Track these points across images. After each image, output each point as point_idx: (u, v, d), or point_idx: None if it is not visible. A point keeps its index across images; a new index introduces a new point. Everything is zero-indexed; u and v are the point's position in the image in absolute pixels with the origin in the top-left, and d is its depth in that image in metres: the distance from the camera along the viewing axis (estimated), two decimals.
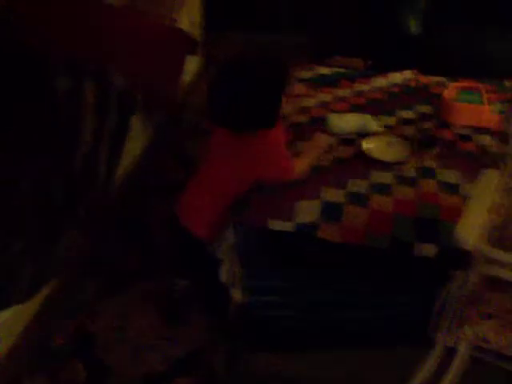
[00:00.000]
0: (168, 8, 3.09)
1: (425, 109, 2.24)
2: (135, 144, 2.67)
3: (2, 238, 1.72)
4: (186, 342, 1.98)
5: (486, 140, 2.01)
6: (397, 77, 2.53)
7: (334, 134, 2.03)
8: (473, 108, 2.12)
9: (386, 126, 2.11)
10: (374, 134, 2.03)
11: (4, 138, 1.98)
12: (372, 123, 2.07)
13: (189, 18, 3.37)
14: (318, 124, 2.12)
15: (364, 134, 2.02)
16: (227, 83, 1.68)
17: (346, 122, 2.08)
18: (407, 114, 2.20)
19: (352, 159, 1.90)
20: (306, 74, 2.55)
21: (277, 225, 1.62)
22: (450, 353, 1.41)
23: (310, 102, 2.28)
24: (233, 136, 1.72)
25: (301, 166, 1.82)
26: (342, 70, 2.65)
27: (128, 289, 2.20)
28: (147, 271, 2.29)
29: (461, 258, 1.42)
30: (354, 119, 2.10)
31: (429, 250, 1.55)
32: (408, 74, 2.56)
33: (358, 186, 1.75)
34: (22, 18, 2.61)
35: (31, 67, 2.37)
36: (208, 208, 1.84)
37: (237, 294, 1.81)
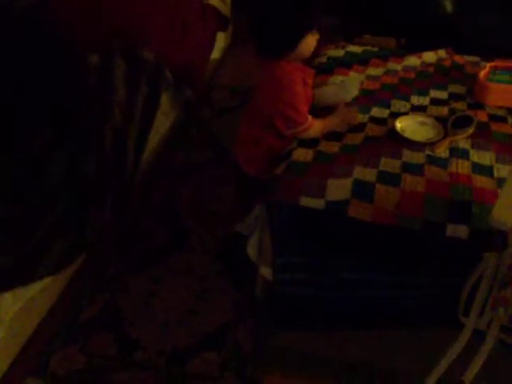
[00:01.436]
0: None
1: (459, 89, 2.20)
2: (164, 121, 2.68)
3: (34, 211, 1.74)
4: (213, 317, 2.00)
5: None
6: (430, 56, 2.49)
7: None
8: (508, 88, 2.07)
9: (419, 106, 2.08)
10: (406, 113, 2.01)
11: (35, 113, 2.00)
12: (352, 89, 2.11)
13: None
14: (350, 102, 2.10)
15: (396, 114, 1.99)
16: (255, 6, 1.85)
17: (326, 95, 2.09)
18: (441, 94, 2.16)
19: (384, 138, 1.88)
20: (338, 53, 2.52)
21: (308, 202, 1.62)
22: (479, 336, 1.40)
23: None
24: (262, 62, 1.86)
25: (316, 125, 1.88)
26: (374, 49, 2.61)
27: (156, 264, 2.22)
28: (176, 247, 2.31)
29: (494, 240, 1.41)
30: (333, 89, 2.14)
31: (461, 231, 1.53)
32: (442, 54, 2.51)
33: (390, 165, 1.73)
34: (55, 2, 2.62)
35: (61, 45, 2.38)
36: (248, 138, 2.01)
37: (265, 271, 1.82)
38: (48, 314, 1.90)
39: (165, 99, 2.59)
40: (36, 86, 2.01)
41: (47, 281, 1.80)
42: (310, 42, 1.83)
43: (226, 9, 3.28)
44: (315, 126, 1.87)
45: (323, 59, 2.47)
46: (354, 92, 2.13)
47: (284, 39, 1.79)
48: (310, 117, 1.86)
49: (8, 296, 1.66)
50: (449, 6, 3.19)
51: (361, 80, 2.26)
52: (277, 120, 1.86)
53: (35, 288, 1.77)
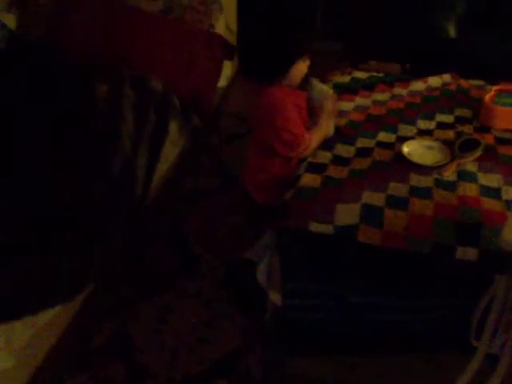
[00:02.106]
0: (206, 14, 3.12)
1: (465, 112, 2.21)
2: (172, 149, 2.70)
3: (44, 239, 1.75)
4: (224, 344, 1.99)
5: None
6: (435, 80, 2.50)
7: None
8: None
9: (425, 130, 2.09)
10: (413, 137, 2.02)
11: (44, 142, 2.03)
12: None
13: (225, 24, 3.40)
14: (356, 128, 2.11)
15: (403, 138, 2.00)
16: (249, 31, 1.97)
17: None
18: (447, 118, 2.17)
19: (392, 163, 1.88)
20: (344, 79, 2.55)
21: (317, 227, 1.62)
22: (491, 361, 1.39)
23: (349, 106, 2.28)
24: (253, 89, 1.90)
25: (313, 139, 1.91)
26: (379, 75, 2.64)
27: (166, 291, 2.22)
28: (185, 274, 2.31)
29: (504, 262, 1.41)
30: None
31: (471, 253, 1.53)
32: (447, 78, 2.53)
33: (398, 189, 1.73)
34: (65, 32, 2.67)
35: (71, 74, 2.42)
36: (254, 165, 2.04)
37: (275, 297, 1.81)
38: (58, 343, 1.89)
39: (173, 127, 2.62)
40: (45, 115, 2.05)
41: (57, 309, 1.80)
42: (300, 69, 1.88)
43: (232, 37, 3.33)
44: (313, 140, 1.91)
45: (329, 86, 2.49)
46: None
47: (274, 66, 1.84)
48: (307, 135, 1.89)
49: (18, 325, 1.66)
50: (452, 31, 3.22)
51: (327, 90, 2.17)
52: (276, 145, 1.89)
53: (45, 316, 1.77)
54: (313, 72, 2.00)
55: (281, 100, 1.85)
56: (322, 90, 2.06)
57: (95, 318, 2.09)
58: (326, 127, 1.98)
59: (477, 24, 3.26)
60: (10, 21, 2.59)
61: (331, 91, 2.11)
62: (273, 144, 1.89)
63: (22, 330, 1.69)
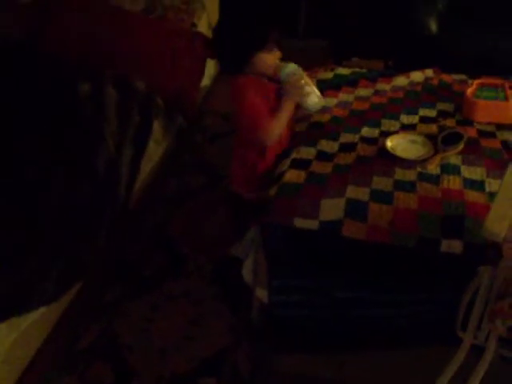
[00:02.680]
0: (188, 13, 3.12)
1: (447, 107, 2.22)
2: (156, 149, 2.69)
3: (29, 240, 1.74)
4: (211, 342, 1.98)
5: (510, 136, 1.99)
6: (418, 75, 2.52)
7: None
8: (496, 104, 2.10)
9: (408, 125, 2.10)
10: (396, 132, 2.03)
11: (29, 142, 2.01)
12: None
13: (208, 22, 3.40)
14: (340, 124, 2.12)
15: (387, 133, 2.01)
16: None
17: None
18: (430, 112, 2.18)
19: (376, 157, 1.89)
20: (327, 75, 2.55)
21: (302, 223, 1.62)
22: (477, 352, 1.40)
23: (332, 102, 2.28)
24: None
25: (276, 122, 1.87)
26: (362, 70, 2.65)
27: (152, 290, 2.21)
28: (171, 274, 2.30)
29: (488, 253, 1.42)
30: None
31: (455, 246, 1.54)
32: (429, 73, 2.54)
33: (382, 183, 1.74)
34: (47, 32, 2.66)
35: (53, 74, 2.40)
36: (236, 158, 2.05)
37: (261, 293, 1.82)
38: (44, 344, 1.88)
39: (157, 127, 2.61)
40: (27, 115, 2.03)
41: (43, 310, 1.79)
42: (265, 59, 1.87)
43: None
44: (273, 125, 1.87)
45: (313, 82, 2.49)
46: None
47: (234, 55, 1.87)
48: (265, 120, 1.87)
49: (2, 326, 1.65)
50: (434, 27, 3.24)
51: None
52: (240, 132, 1.94)
53: (30, 318, 1.75)
54: None
55: (241, 86, 1.87)
56: (289, 71, 1.92)
57: (82, 318, 2.07)
58: (288, 110, 1.91)
59: (458, 19, 3.29)
60: None
61: (296, 68, 1.93)
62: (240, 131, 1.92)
63: (7, 333, 1.68)
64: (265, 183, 1.88)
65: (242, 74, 1.89)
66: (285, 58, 1.93)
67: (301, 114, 2.12)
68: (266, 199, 1.77)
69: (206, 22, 3.42)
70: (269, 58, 1.88)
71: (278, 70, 1.90)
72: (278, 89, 1.96)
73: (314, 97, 1.92)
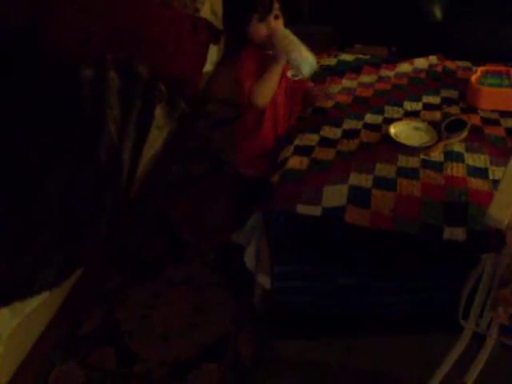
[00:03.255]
0: None
1: (451, 94, 2.21)
2: (158, 135, 2.68)
3: (31, 227, 1.74)
4: (213, 328, 1.99)
5: None
6: (422, 62, 2.50)
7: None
8: (500, 92, 2.09)
9: (412, 112, 2.09)
10: (400, 119, 2.02)
11: (30, 128, 2.01)
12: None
13: (211, 8, 3.38)
14: (343, 110, 2.11)
15: (390, 120, 2.00)
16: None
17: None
18: (433, 99, 2.17)
19: (379, 144, 1.88)
20: (331, 61, 2.54)
21: (305, 209, 1.62)
22: (479, 339, 1.40)
23: (335, 89, 2.27)
24: None
25: (261, 82, 1.84)
26: (365, 57, 2.63)
27: (154, 277, 2.21)
28: (172, 260, 2.30)
29: (491, 241, 1.41)
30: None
31: (458, 233, 1.54)
32: (433, 60, 2.53)
33: (385, 170, 1.73)
34: (48, 19, 2.64)
35: (55, 58, 2.39)
36: (242, 133, 2.08)
37: (263, 280, 1.82)
38: (46, 329, 1.89)
39: (159, 113, 2.60)
40: (29, 101, 2.02)
41: (45, 295, 1.79)
42: (257, 28, 1.85)
43: (217, 21, 3.30)
44: (255, 88, 1.84)
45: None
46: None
47: (232, 26, 1.98)
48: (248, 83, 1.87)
49: (5, 311, 1.65)
50: (438, 14, 3.22)
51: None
52: (238, 98, 1.93)
53: (33, 303, 1.76)
54: None
55: (241, 56, 1.91)
56: (280, 35, 1.85)
57: (84, 304, 2.08)
58: (275, 72, 1.83)
59: (462, 6, 3.26)
60: None
61: (287, 32, 1.86)
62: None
63: (9, 318, 1.68)
64: (266, 162, 1.94)
65: (245, 48, 1.91)
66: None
67: (309, 100, 2.13)
68: (268, 179, 1.77)
69: (209, 8, 3.39)
70: (261, 27, 1.85)
71: (272, 36, 1.85)
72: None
73: (300, 56, 1.80)
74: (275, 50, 1.83)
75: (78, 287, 2.03)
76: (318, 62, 1.87)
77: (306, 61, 1.78)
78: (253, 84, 1.84)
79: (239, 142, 2.10)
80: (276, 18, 1.85)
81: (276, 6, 1.85)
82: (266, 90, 1.84)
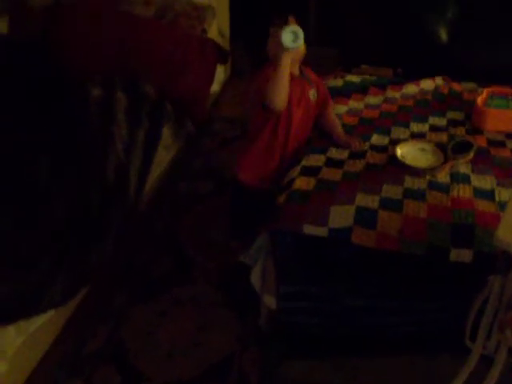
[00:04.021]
0: (198, 19, 3.13)
1: (457, 115, 2.23)
2: (165, 154, 2.69)
3: (39, 244, 1.75)
4: (218, 347, 1.98)
5: None
6: (428, 84, 2.52)
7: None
8: (506, 113, 2.10)
9: (418, 133, 2.10)
10: (406, 140, 2.03)
11: (40, 146, 2.02)
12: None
13: (218, 28, 3.41)
14: (349, 131, 2.12)
15: (396, 141, 2.01)
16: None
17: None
18: (440, 121, 2.19)
19: (385, 165, 1.89)
20: (337, 83, 2.55)
21: (311, 230, 1.62)
22: (486, 362, 1.39)
23: (342, 110, 2.28)
24: None
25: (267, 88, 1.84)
26: (371, 78, 2.65)
27: (160, 296, 2.21)
28: (179, 278, 2.30)
29: (498, 263, 1.41)
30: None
31: (465, 255, 1.54)
32: (439, 81, 2.55)
33: (392, 191, 1.74)
34: (60, 37, 2.68)
35: (65, 78, 2.42)
36: (247, 139, 2.14)
37: (269, 300, 1.81)
38: (51, 347, 1.88)
39: (166, 132, 2.61)
40: (39, 118, 2.04)
41: (50, 313, 1.79)
42: (270, 44, 1.92)
43: (224, 42, 3.34)
44: (270, 83, 1.82)
45: None
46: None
47: (248, 45, 2.08)
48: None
49: (11, 329, 1.65)
50: (444, 36, 3.24)
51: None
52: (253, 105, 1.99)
53: (38, 321, 1.76)
54: None
55: (261, 70, 1.94)
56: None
57: (89, 322, 2.07)
58: (281, 69, 1.80)
59: (468, 28, 3.29)
60: (2, 25, 2.59)
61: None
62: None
63: (14, 336, 1.68)
64: (268, 174, 2.00)
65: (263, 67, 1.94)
66: None
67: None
68: (267, 195, 1.78)
69: (216, 29, 3.43)
70: (272, 41, 1.91)
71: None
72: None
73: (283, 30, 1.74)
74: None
75: (84, 305, 2.03)
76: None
77: (285, 32, 1.73)
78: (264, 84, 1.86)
79: (245, 143, 2.12)
80: None
81: (292, 19, 1.90)
82: (280, 90, 1.82)
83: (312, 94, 2.04)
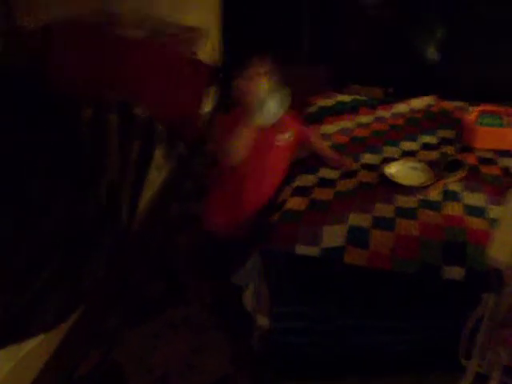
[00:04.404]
0: (189, 41, 3.15)
1: (447, 133, 2.24)
2: (157, 175, 2.69)
3: (29, 266, 1.73)
4: (212, 369, 1.96)
5: (510, 162, 1.99)
6: (418, 103, 2.54)
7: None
8: (495, 131, 2.11)
9: (409, 152, 2.10)
10: (397, 159, 2.04)
11: (31, 167, 2.01)
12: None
13: (210, 50, 3.43)
14: (341, 150, 2.12)
15: (388, 159, 2.02)
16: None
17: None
18: (430, 139, 2.20)
19: (377, 184, 1.89)
20: (328, 102, 2.57)
21: (304, 250, 1.62)
22: (481, 380, 1.38)
23: (332, 129, 2.29)
24: None
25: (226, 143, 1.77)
26: (361, 98, 2.67)
27: (153, 318, 2.19)
28: (172, 300, 2.28)
29: (490, 280, 1.41)
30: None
31: (457, 272, 1.53)
32: (429, 100, 2.56)
33: (384, 210, 1.74)
34: (50, 59, 2.68)
35: (56, 99, 2.42)
36: (215, 185, 2.09)
37: (262, 321, 1.80)
38: (42, 372, 1.85)
39: (158, 153, 2.61)
40: (29, 141, 2.04)
41: (41, 337, 1.77)
42: (241, 86, 1.81)
43: (216, 56, 3.36)
44: (230, 140, 1.74)
45: (313, 108, 2.51)
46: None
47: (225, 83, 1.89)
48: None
49: (0, 354, 1.63)
50: (434, 55, 3.27)
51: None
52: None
53: (29, 345, 1.74)
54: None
55: (222, 118, 1.94)
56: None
57: (81, 345, 2.05)
58: (245, 127, 1.70)
59: (457, 48, 3.32)
60: None
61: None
62: None
63: (4, 360, 1.66)
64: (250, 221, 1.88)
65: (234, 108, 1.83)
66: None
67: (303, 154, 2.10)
68: (264, 226, 1.76)
69: (207, 50, 3.44)
70: (245, 85, 1.79)
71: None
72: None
73: (259, 106, 1.66)
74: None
75: (76, 328, 2.00)
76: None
77: (260, 112, 1.65)
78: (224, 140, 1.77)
79: (216, 198, 2.02)
80: (265, 75, 1.79)
81: (264, 66, 1.79)
82: (238, 146, 1.74)
83: (284, 137, 1.92)
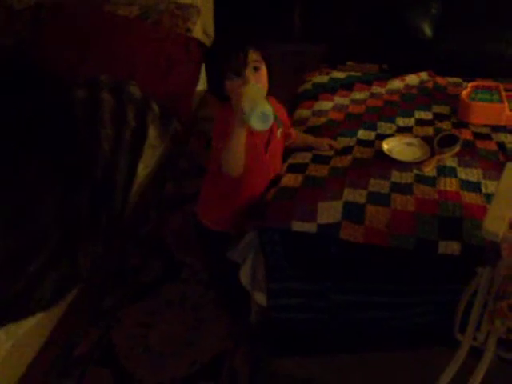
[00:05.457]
0: (182, 18, 3.12)
1: (442, 109, 2.23)
2: (152, 154, 2.69)
3: (27, 246, 1.74)
4: (209, 347, 1.98)
5: (506, 138, 1.99)
6: (413, 79, 2.53)
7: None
8: (491, 107, 2.11)
9: (404, 127, 2.10)
10: (392, 135, 2.04)
11: (27, 148, 2.01)
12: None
13: (202, 28, 3.40)
14: (336, 127, 2.12)
15: (383, 136, 2.02)
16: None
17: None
18: (425, 115, 2.19)
19: (372, 160, 1.89)
20: (322, 79, 2.56)
21: (300, 226, 1.62)
22: (476, 353, 1.39)
23: (327, 106, 2.29)
24: None
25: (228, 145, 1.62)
26: (357, 74, 2.66)
27: (150, 297, 2.20)
28: (168, 279, 2.29)
29: (486, 254, 1.42)
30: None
31: (453, 247, 1.54)
32: (424, 76, 2.55)
33: (379, 186, 1.74)
34: (42, 38, 2.66)
35: (48, 80, 2.40)
36: (208, 179, 1.99)
37: (259, 297, 1.81)
38: (41, 351, 1.87)
39: (152, 132, 2.60)
40: (24, 121, 2.03)
41: (39, 316, 1.78)
42: (230, 84, 1.66)
43: (209, 41, 3.33)
44: (224, 152, 1.64)
45: (308, 85, 2.50)
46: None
47: (210, 82, 1.74)
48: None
49: (0, 333, 1.64)
50: (428, 31, 3.26)
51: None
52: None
53: (27, 324, 1.75)
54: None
55: (222, 112, 1.73)
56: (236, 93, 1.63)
57: (79, 324, 2.06)
58: (236, 136, 1.60)
59: (451, 23, 3.31)
60: None
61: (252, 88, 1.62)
62: None
63: (3, 340, 1.67)
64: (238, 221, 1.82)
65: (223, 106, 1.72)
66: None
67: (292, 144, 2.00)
68: (262, 203, 1.76)
69: (200, 28, 3.42)
70: (234, 83, 1.65)
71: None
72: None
73: (249, 108, 1.52)
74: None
75: (74, 307, 2.02)
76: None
77: (254, 113, 1.51)
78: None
79: (209, 193, 1.94)
80: (256, 69, 1.66)
81: (254, 56, 1.64)
82: (235, 157, 1.64)
83: (280, 132, 1.85)
